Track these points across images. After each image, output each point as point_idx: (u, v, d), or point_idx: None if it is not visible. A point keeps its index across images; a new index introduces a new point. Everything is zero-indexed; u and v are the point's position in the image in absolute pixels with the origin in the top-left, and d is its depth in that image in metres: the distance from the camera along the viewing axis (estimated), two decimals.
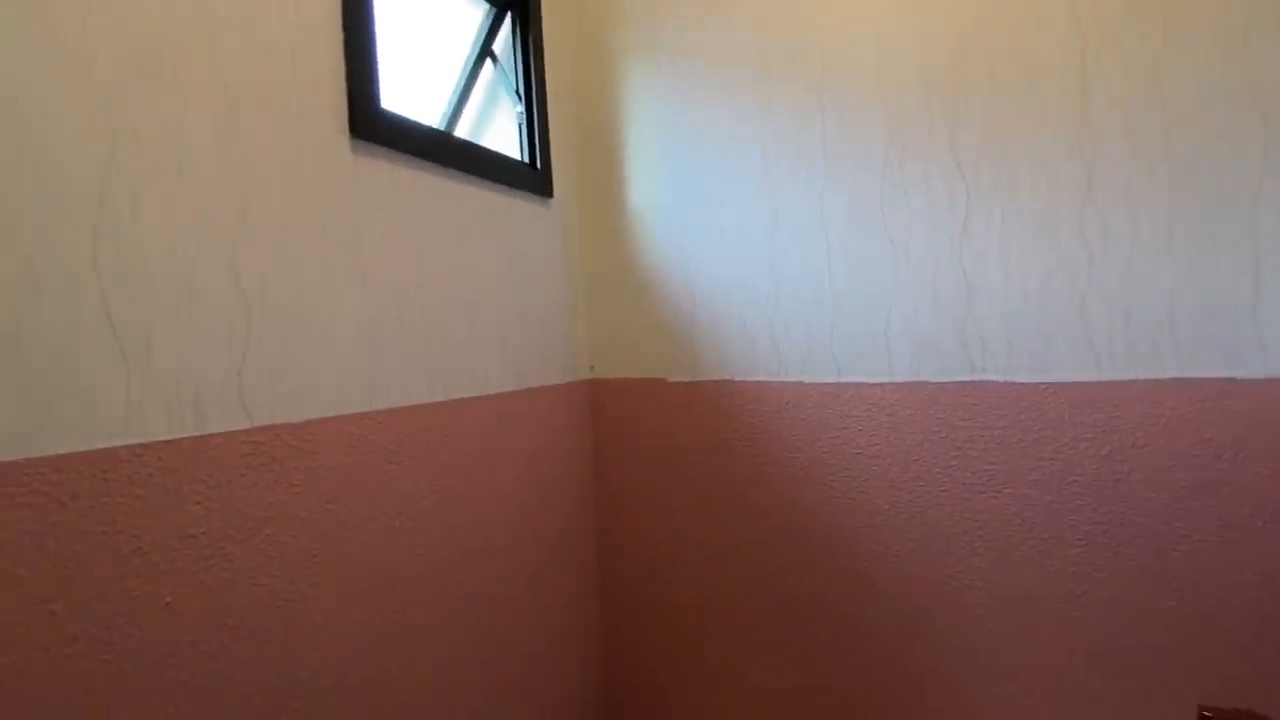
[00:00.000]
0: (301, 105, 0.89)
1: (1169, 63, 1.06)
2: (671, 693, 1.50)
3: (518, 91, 1.40)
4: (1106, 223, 1.11)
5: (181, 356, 0.75)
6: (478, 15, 1.39)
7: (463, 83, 1.37)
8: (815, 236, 1.32)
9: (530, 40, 1.40)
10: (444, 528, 1.10)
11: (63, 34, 0.66)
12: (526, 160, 1.40)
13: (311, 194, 0.90)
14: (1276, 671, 1.03)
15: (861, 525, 1.30)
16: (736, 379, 1.40)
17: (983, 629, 1.21)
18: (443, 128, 1.31)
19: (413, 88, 1.24)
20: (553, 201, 1.45)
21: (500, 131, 1.42)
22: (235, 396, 0.80)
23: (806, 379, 1.33)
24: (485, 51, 1.40)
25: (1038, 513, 1.17)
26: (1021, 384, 1.17)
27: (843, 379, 1.30)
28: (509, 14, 1.40)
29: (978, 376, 1.20)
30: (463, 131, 1.39)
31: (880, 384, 1.27)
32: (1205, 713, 0.98)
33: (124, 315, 0.70)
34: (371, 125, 0.99)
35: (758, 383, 1.38)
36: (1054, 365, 1.15)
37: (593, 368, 1.57)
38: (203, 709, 0.75)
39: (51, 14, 0.65)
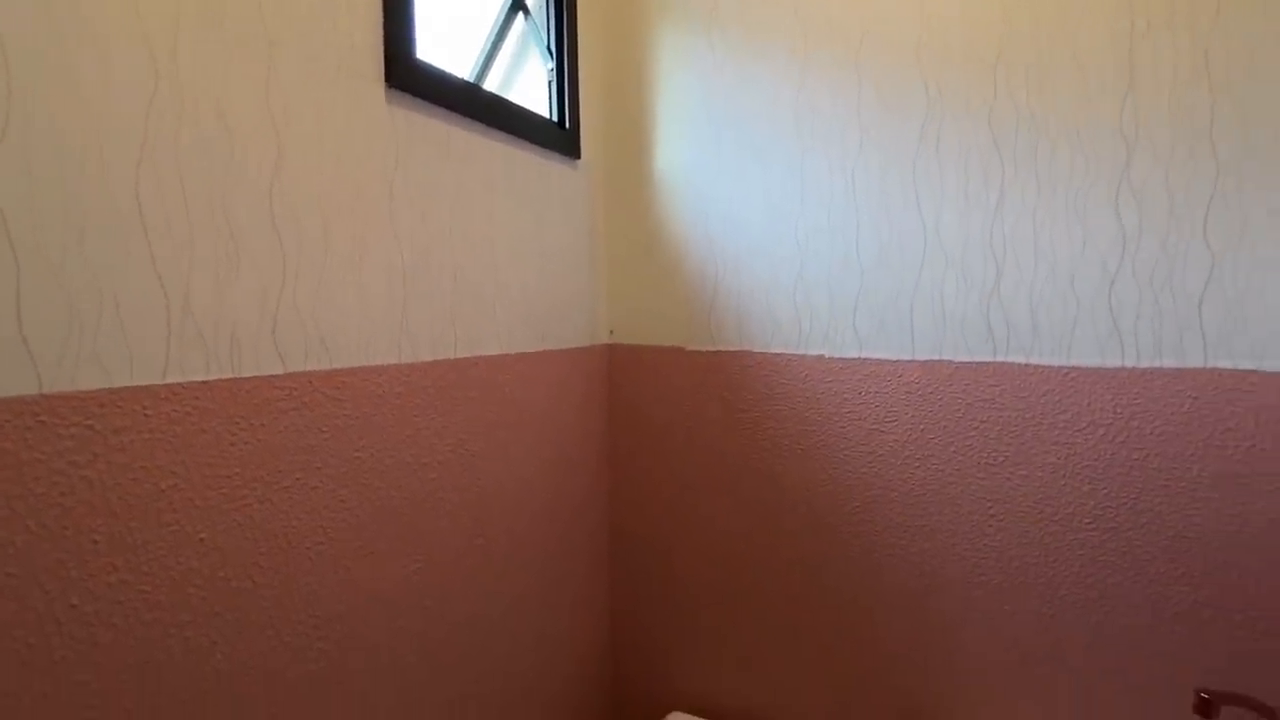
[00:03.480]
0: (339, 51, 0.88)
1: (1220, 36, 1.04)
2: (675, 657, 1.54)
3: (549, 48, 1.38)
4: (1142, 204, 1.09)
5: (220, 299, 0.75)
6: None
7: (494, 35, 1.34)
8: (845, 210, 1.30)
9: None
10: (462, 482, 1.12)
11: None
12: (555, 119, 1.39)
13: (347, 142, 0.90)
14: (1273, 661, 1.05)
15: (876, 499, 1.31)
16: (756, 350, 1.40)
17: (992, 606, 1.23)
18: (473, 80, 1.30)
19: (444, 37, 1.22)
20: (580, 163, 1.44)
21: (527, 89, 1.40)
22: (270, 342, 0.81)
23: (828, 353, 1.33)
24: (518, 3, 1.37)
25: (1051, 495, 1.18)
26: (1044, 366, 1.17)
27: (865, 354, 1.30)
28: None
29: (1000, 358, 1.20)
30: (491, 86, 1.37)
31: (902, 361, 1.27)
32: (1202, 694, 1.00)
33: (166, 255, 0.70)
34: (407, 75, 0.98)
35: (778, 355, 1.38)
36: (1079, 349, 1.15)
37: (611, 332, 1.57)
38: (234, 640, 0.78)
39: None
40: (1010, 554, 1.21)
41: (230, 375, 0.77)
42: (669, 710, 1.53)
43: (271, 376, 0.81)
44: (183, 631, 0.73)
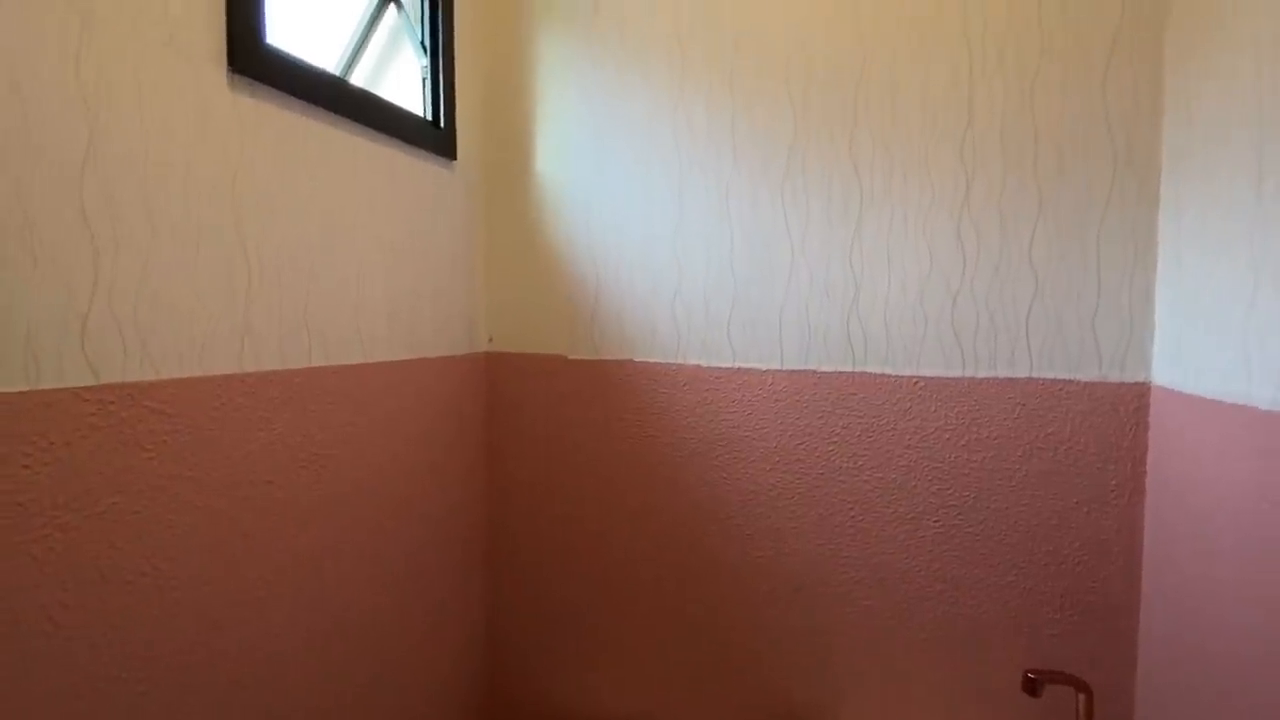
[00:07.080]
0: (167, 26, 0.80)
1: (1041, 83, 1.16)
2: (553, 669, 1.51)
3: (423, 43, 1.33)
4: (980, 231, 1.20)
5: (11, 299, 0.66)
6: None
7: (363, 27, 1.27)
8: (719, 224, 1.34)
9: None
10: (321, 498, 1.05)
11: None
12: (430, 118, 1.34)
13: (179, 129, 0.82)
14: (1091, 639, 1.18)
15: (744, 502, 1.35)
16: (637, 359, 1.41)
17: (852, 601, 1.30)
18: (339, 74, 1.22)
19: (306, 27, 1.15)
20: (456, 164, 1.39)
21: (398, 86, 1.34)
22: (77, 349, 0.72)
23: (704, 363, 1.37)
24: None
25: (903, 495, 1.26)
26: (897, 376, 1.26)
27: (738, 364, 1.34)
28: None
29: (859, 368, 1.28)
30: (359, 81, 1.30)
31: (772, 370, 1.32)
32: (1029, 674, 1.11)
33: None
34: (253, 60, 0.90)
35: (657, 364, 1.40)
36: (926, 360, 1.24)
37: (490, 340, 1.53)
38: (26, 686, 0.68)
39: None
40: (870, 551, 1.29)
41: (24, 388, 0.67)
42: None
43: (79, 389, 0.72)
44: None
